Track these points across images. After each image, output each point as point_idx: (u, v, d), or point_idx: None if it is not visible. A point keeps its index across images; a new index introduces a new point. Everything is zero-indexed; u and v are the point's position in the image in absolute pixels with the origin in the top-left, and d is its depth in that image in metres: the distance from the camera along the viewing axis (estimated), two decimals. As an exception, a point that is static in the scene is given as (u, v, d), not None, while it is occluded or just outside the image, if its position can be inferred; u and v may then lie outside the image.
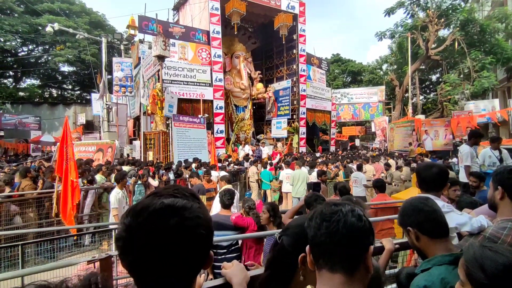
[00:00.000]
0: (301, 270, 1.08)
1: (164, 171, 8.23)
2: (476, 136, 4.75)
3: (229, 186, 5.10)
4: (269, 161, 11.18)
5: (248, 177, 9.86)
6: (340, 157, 13.18)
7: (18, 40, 25.03)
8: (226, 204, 3.64)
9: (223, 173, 7.75)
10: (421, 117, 19.07)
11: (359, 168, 8.07)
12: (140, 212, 0.59)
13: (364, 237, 0.80)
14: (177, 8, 18.37)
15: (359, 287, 0.79)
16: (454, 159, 11.14)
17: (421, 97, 28.03)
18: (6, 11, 23.78)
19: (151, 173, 7.27)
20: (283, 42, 18.28)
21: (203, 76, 15.01)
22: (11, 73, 26.64)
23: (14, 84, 27.01)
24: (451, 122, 15.11)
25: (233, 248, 3.47)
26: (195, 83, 14.73)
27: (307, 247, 0.86)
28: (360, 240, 0.79)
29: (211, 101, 15.12)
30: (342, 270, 0.78)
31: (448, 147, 14.74)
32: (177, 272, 0.61)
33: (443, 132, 15.11)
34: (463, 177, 4.65)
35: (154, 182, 7.02)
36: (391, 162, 10.44)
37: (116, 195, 5.09)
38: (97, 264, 2.14)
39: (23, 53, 26.99)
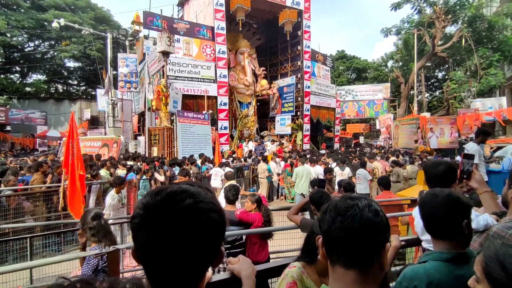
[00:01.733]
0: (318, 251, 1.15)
1: (168, 166, 8.29)
2: (484, 134, 4.71)
3: (233, 182, 5.12)
4: (277, 158, 11.23)
5: (258, 173, 9.87)
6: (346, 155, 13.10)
7: (25, 36, 25.23)
8: (231, 199, 3.66)
9: (227, 169, 7.78)
10: (427, 114, 18.88)
11: (363, 165, 8.07)
12: (158, 193, 0.62)
13: (381, 233, 0.77)
14: (181, 4, 18.33)
15: (373, 284, 0.77)
16: (458, 158, 11.06)
17: (427, 94, 27.75)
18: (13, 7, 23.94)
19: (157, 168, 7.32)
20: (288, 39, 18.17)
21: (207, 72, 15.01)
22: (17, 68, 26.88)
23: (20, 79, 27.27)
24: (457, 120, 14.97)
25: (237, 243, 3.50)
26: (199, 79, 14.74)
27: (320, 240, 0.84)
28: (376, 237, 0.76)
29: (215, 97, 15.12)
30: (356, 267, 0.76)
31: (453, 145, 14.61)
32: (187, 258, 0.61)
33: (448, 130, 14.96)
34: None
35: (161, 178, 7.07)
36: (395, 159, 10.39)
37: (111, 201, 4.94)
38: (105, 257, 2.17)
39: (29, 48, 27.21)
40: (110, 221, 5.13)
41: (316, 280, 1.27)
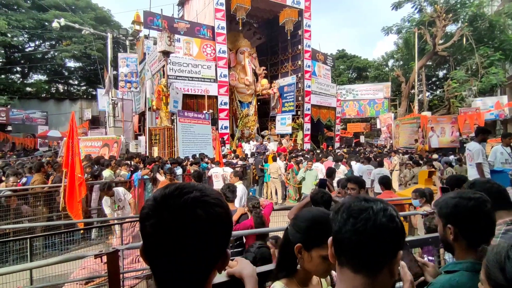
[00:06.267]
0: (298, 259, 1.10)
1: (169, 165, 8.27)
2: (483, 133, 4.64)
3: (240, 182, 5.07)
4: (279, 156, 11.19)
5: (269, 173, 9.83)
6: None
7: (25, 36, 25.24)
8: (228, 196, 3.65)
9: (227, 169, 7.77)
10: (427, 114, 18.84)
11: (381, 165, 8.28)
12: (168, 186, 0.66)
13: (394, 240, 0.73)
14: (182, 3, 18.33)
15: None
16: (451, 157, 10.99)
17: (428, 93, 27.67)
18: (13, 7, 23.97)
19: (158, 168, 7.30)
20: (288, 38, 18.14)
21: (207, 72, 15.00)
22: (18, 68, 26.90)
23: (21, 79, 27.29)
24: (458, 119, 14.93)
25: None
26: (199, 79, 14.73)
27: (329, 240, 0.80)
28: (388, 243, 0.72)
29: (216, 97, 15.12)
30: (364, 272, 0.73)
31: (454, 144, 14.59)
32: (193, 252, 0.61)
33: (449, 129, 14.94)
34: (472, 175, 4.56)
35: (161, 178, 7.07)
36: (396, 159, 10.39)
37: (105, 203, 5.20)
38: (104, 258, 2.16)
39: (30, 48, 27.22)
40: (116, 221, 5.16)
41: None
